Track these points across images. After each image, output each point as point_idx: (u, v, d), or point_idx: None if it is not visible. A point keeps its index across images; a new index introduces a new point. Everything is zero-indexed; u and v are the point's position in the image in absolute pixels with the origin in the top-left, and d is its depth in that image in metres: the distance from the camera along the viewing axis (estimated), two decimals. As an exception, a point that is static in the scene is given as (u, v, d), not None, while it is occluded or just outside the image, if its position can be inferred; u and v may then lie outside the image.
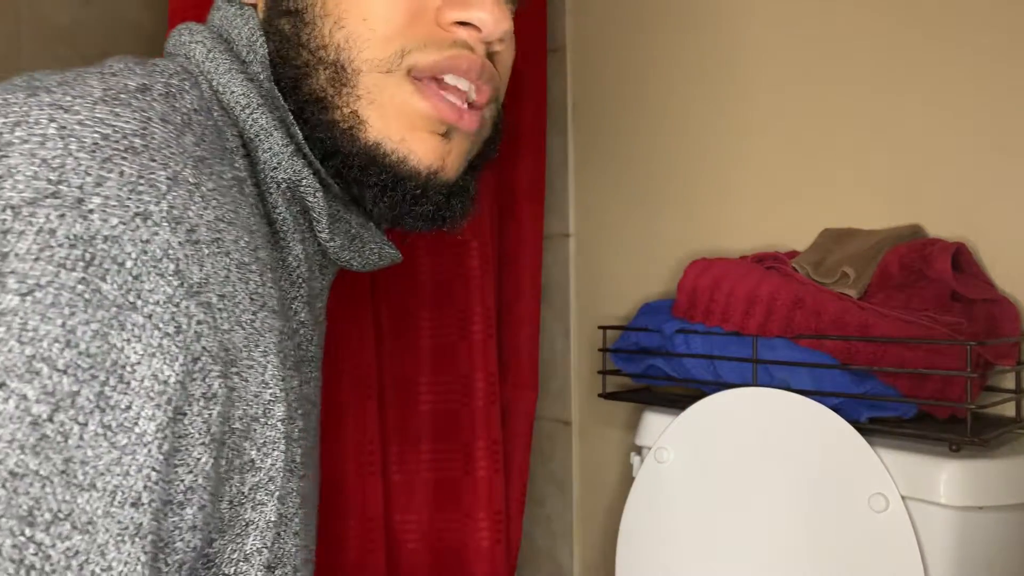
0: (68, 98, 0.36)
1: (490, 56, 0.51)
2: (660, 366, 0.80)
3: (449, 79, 0.48)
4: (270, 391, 0.39)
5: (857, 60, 0.79)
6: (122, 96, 0.37)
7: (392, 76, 0.47)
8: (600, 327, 0.88)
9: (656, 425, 0.78)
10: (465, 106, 0.49)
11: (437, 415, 0.92)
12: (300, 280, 0.49)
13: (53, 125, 0.34)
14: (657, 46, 0.96)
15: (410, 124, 0.47)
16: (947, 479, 0.58)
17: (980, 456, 0.60)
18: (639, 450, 0.81)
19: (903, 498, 0.60)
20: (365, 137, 0.47)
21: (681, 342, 0.77)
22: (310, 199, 0.48)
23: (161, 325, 0.34)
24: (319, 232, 0.49)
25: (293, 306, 0.49)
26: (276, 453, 0.40)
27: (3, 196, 0.32)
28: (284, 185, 0.47)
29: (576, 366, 1.06)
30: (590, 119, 1.05)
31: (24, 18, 0.90)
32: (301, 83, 0.48)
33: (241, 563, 0.39)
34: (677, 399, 0.81)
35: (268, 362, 0.39)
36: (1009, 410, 0.70)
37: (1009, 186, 0.70)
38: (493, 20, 0.48)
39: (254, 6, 0.51)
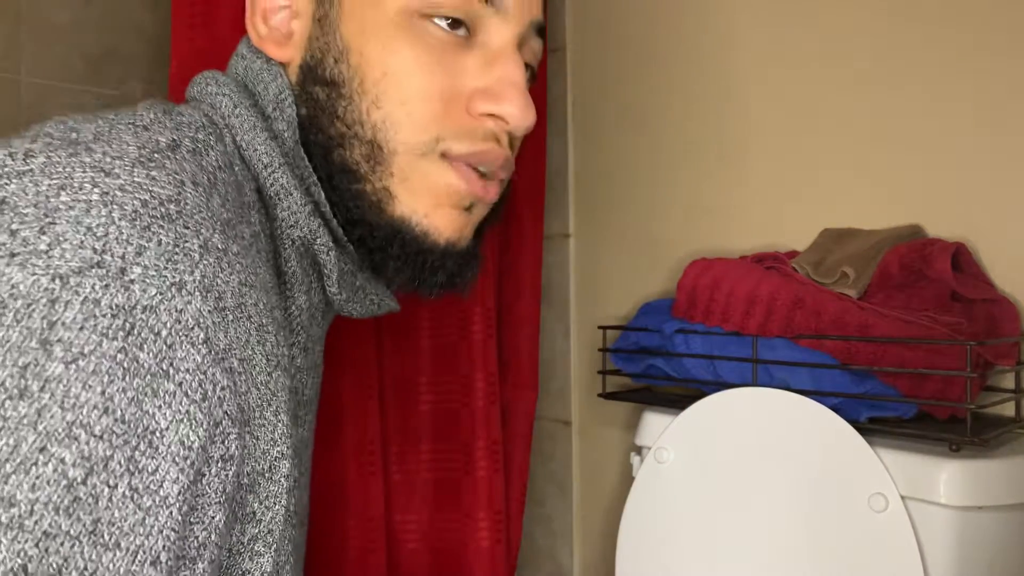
0: (108, 160, 0.37)
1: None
2: (660, 366, 0.80)
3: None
4: (278, 448, 0.41)
5: (857, 60, 0.79)
6: (156, 156, 0.39)
7: (426, 158, 0.49)
8: (600, 327, 0.88)
9: (656, 425, 0.78)
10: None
11: (437, 415, 0.92)
12: (300, 328, 0.51)
13: (96, 191, 0.36)
14: (657, 46, 0.96)
15: (436, 200, 0.50)
16: (947, 479, 0.58)
17: (980, 456, 0.60)
18: (639, 450, 0.81)
19: (903, 498, 0.60)
20: (392, 211, 0.50)
21: (681, 342, 0.77)
22: (323, 256, 0.50)
23: (190, 392, 0.35)
24: (329, 287, 0.51)
25: (291, 352, 0.51)
26: (278, 507, 0.41)
27: (52, 265, 0.33)
28: (299, 242, 0.49)
29: (576, 366, 1.06)
30: (590, 119, 1.05)
31: (24, 18, 0.90)
32: (332, 152, 0.50)
33: None
34: (677, 399, 0.81)
35: (279, 421, 0.41)
36: (1009, 410, 0.70)
37: (1009, 186, 0.70)
38: (521, 115, 0.50)
39: (283, 65, 0.52)
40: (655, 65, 0.97)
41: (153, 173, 0.38)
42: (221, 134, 0.46)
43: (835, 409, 0.65)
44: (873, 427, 0.65)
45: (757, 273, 0.72)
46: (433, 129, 0.49)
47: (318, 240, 0.49)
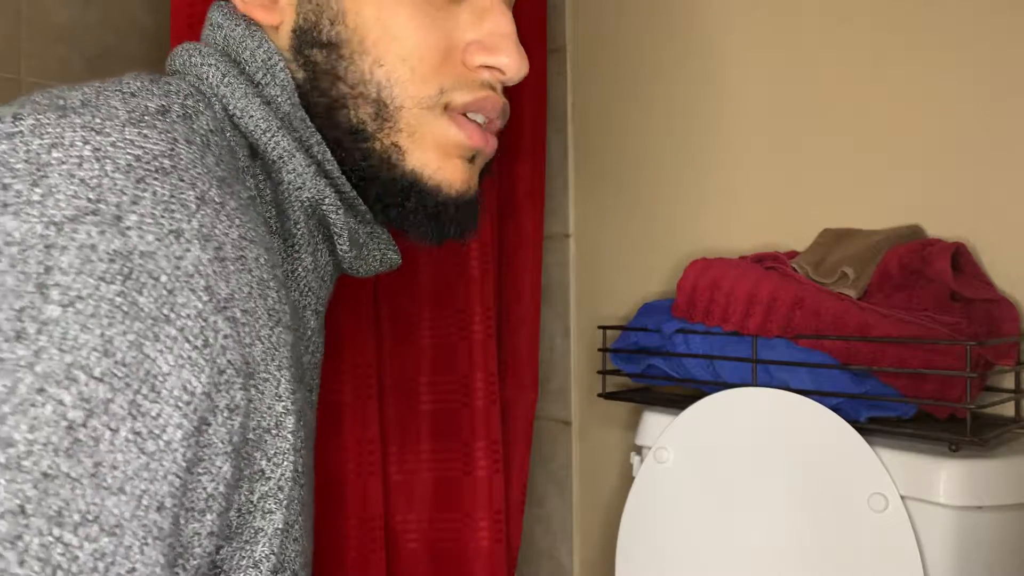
0: (98, 120, 0.38)
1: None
2: (660, 366, 0.80)
3: (471, 115, 0.53)
4: (282, 403, 0.41)
5: (857, 60, 0.79)
6: (146, 118, 0.39)
7: (432, 112, 0.51)
8: (600, 327, 0.88)
9: (656, 425, 0.78)
10: (483, 130, 0.54)
11: (437, 415, 0.92)
12: (308, 290, 0.52)
13: (88, 147, 0.36)
14: (657, 46, 0.96)
15: (445, 153, 0.52)
16: (946, 479, 0.58)
17: (979, 456, 0.60)
18: (639, 450, 0.81)
19: (903, 498, 0.60)
20: (404, 166, 0.51)
21: (681, 342, 0.77)
22: (332, 216, 0.51)
23: (191, 338, 0.35)
24: (340, 244, 0.52)
25: (304, 315, 0.52)
26: (286, 464, 0.41)
27: (46, 213, 0.34)
28: (307, 203, 0.50)
29: (576, 366, 1.06)
30: (590, 119, 1.05)
31: (24, 18, 0.90)
32: (337, 113, 0.51)
33: (250, 569, 0.40)
34: (677, 399, 0.81)
35: (282, 376, 0.41)
36: (1008, 410, 0.70)
37: (1009, 186, 0.70)
38: (516, 66, 0.52)
39: (266, 29, 0.52)
40: (655, 65, 0.97)
41: (145, 131, 0.38)
42: (210, 102, 0.47)
43: (835, 409, 0.65)
44: (873, 427, 0.65)
45: (757, 273, 0.72)
46: (436, 82, 0.50)
47: (326, 200, 0.50)
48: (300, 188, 0.49)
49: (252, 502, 0.40)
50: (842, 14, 0.80)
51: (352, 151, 0.51)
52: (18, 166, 0.35)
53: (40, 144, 0.36)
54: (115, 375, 0.33)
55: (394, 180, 0.51)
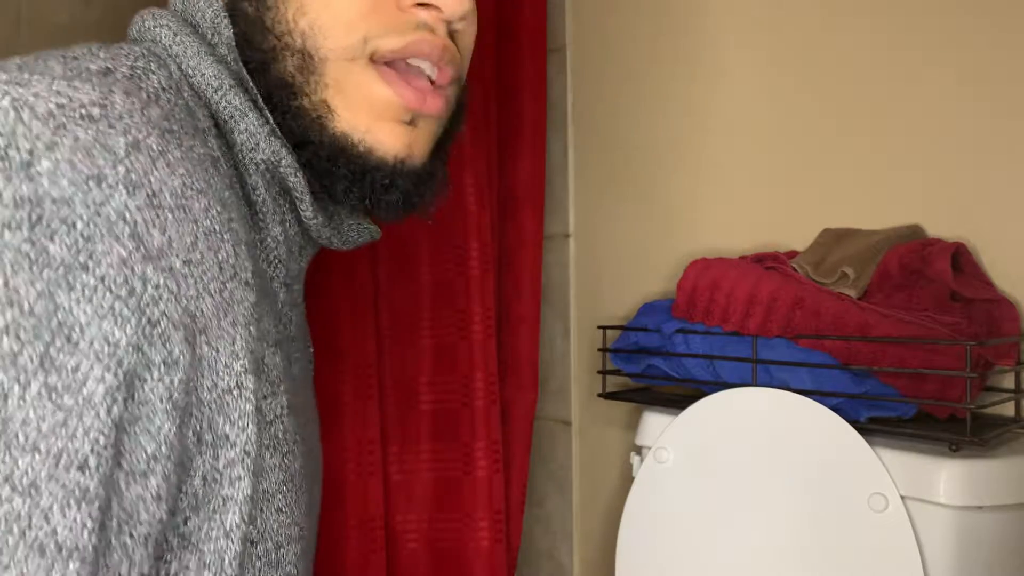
0: (25, 75, 0.35)
1: (452, 36, 0.51)
2: (660, 366, 0.80)
3: (412, 62, 0.48)
4: (240, 363, 0.39)
5: (857, 61, 0.79)
6: (83, 75, 0.37)
7: (356, 63, 0.47)
8: (600, 327, 0.88)
9: (656, 425, 0.78)
10: (429, 88, 0.49)
11: (437, 415, 0.92)
12: (278, 261, 0.49)
13: (7, 98, 0.33)
14: (657, 46, 0.96)
15: (376, 114, 0.47)
16: (947, 479, 0.58)
17: (979, 456, 0.60)
18: (639, 450, 0.81)
19: (903, 498, 0.60)
20: (333, 127, 0.47)
21: (681, 342, 0.77)
22: (291, 179, 0.47)
23: (113, 288, 0.33)
24: (303, 210, 0.49)
25: (273, 286, 0.49)
26: (251, 427, 0.39)
27: None
28: (263, 166, 0.47)
29: (576, 366, 1.06)
30: (590, 119, 1.05)
31: (24, 18, 0.90)
32: (269, 67, 0.47)
33: (221, 539, 0.38)
34: (677, 399, 0.81)
35: (237, 333, 0.39)
36: (1008, 410, 0.70)
37: (1009, 186, 0.70)
38: (444, 4, 0.48)
39: None
40: (655, 65, 0.97)
41: (76, 84, 0.36)
42: (164, 62, 0.44)
43: (835, 409, 0.65)
44: (873, 427, 0.65)
45: (757, 273, 0.72)
46: (361, 28, 0.46)
47: (283, 162, 0.47)
48: (254, 149, 0.46)
49: (218, 469, 0.38)
50: (842, 15, 0.80)
51: (284, 109, 0.47)
52: None
53: None
54: (21, 326, 0.31)
55: (324, 143, 0.47)
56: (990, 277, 0.70)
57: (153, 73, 0.42)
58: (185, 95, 0.44)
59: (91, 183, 0.33)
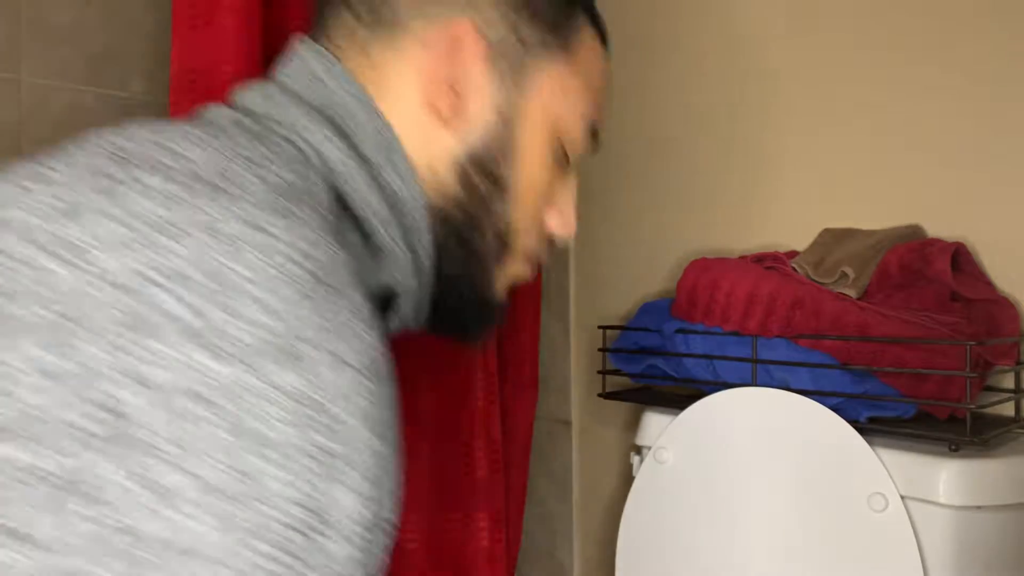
0: (254, 211, 0.35)
1: None
2: (660, 366, 0.80)
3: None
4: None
5: (857, 61, 0.79)
6: (286, 205, 0.37)
7: (516, 257, 0.55)
8: (600, 327, 0.88)
9: (656, 425, 0.78)
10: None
11: (437, 415, 0.92)
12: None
13: (258, 254, 0.34)
14: (657, 46, 0.96)
15: (509, 284, 0.57)
16: (946, 479, 0.59)
17: (979, 456, 0.60)
18: (639, 450, 0.81)
19: (902, 498, 0.60)
20: (484, 292, 0.55)
21: (681, 342, 0.77)
22: (401, 299, 0.52)
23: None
24: (404, 314, 0.54)
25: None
26: None
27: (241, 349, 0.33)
28: (390, 289, 0.51)
29: (576, 366, 1.06)
30: (590, 119, 1.04)
31: (24, 18, 0.90)
32: (471, 235, 0.52)
33: None
34: (677, 399, 0.81)
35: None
36: (1008, 410, 0.70)
37: (1009, 186, 0.70)
38: (568, 236, 0.57)
39: (367, 92, 0.49)
40: (655, 65, 0.97)
41: (305, 232, 0.36)
42: (319, 173, 0.45)
43: (835, 409, 0.65)
44: (873, 427, 0.65)
45: (757, 273, 0.72)
46: (534, 234, 0.55)
47: (407, 292, 0.52)
48: (393, 280, 0.50)
49: None
50: (842, 16, 0.80)
51: (452, 260, 0.52)
52: (196, 277, 0.32)
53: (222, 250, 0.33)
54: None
55: (471, 301, 0.55)
56: (990, 277, 0.70)
57: (315, 185, 0.44)
58: (332, 216, 0.46)
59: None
